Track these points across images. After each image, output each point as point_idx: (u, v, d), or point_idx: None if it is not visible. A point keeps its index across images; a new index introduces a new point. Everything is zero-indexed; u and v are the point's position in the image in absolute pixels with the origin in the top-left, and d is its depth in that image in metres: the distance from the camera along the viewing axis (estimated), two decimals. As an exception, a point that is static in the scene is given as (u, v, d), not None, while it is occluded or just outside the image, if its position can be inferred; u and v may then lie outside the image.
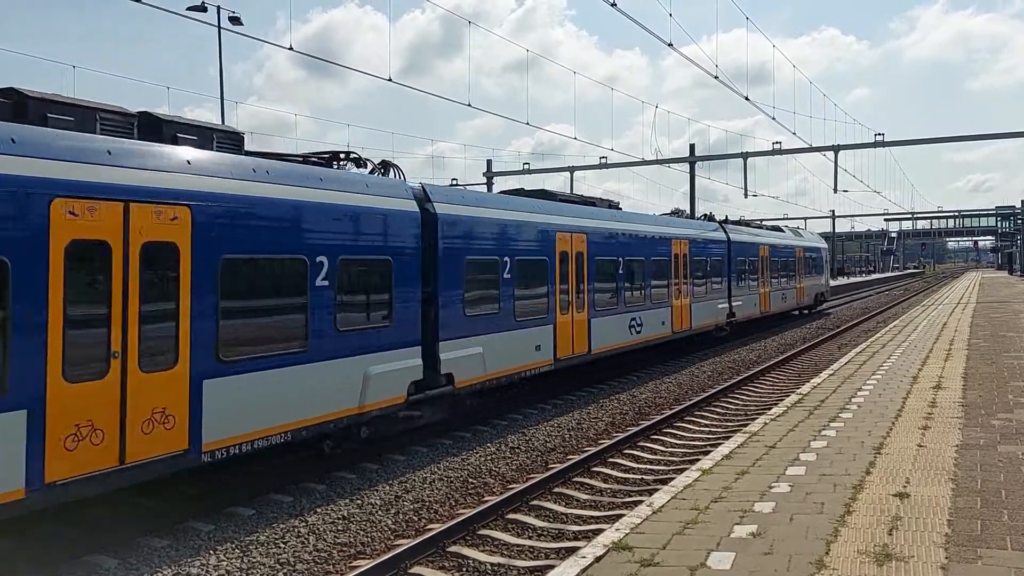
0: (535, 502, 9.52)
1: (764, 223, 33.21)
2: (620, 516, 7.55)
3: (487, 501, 9.39)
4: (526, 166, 46.16)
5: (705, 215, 27.52)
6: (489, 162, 48.69)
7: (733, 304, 25.19)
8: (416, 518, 9.07)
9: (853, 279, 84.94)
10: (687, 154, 44.48)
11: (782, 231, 34.22)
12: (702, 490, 7.65)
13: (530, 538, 8.51)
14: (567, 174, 45.74)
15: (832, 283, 68.85)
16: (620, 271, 17.73)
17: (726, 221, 28.03)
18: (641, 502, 7.71)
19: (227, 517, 8.89)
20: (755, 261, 27.71)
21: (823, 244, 40.63)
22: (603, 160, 43.88)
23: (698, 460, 9.53)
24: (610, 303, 17.29)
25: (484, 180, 46.28)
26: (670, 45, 22.34)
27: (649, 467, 11.34)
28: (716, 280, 23.89)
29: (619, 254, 17.74)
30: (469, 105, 24.19)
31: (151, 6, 14.71)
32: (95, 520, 8.38)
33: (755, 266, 27.70)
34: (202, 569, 7.46)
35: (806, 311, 36.77)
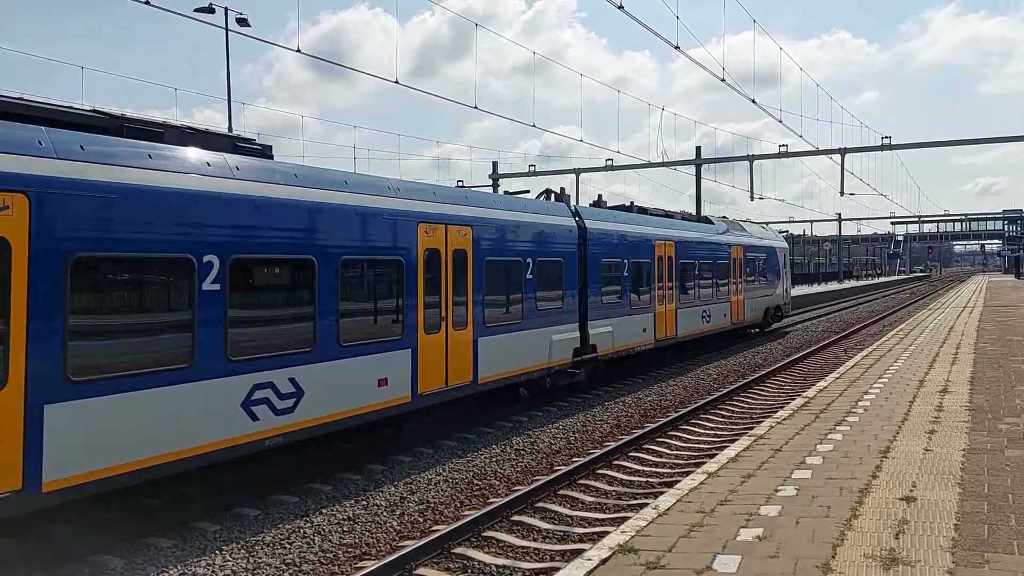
0: (540, 504, 9.52)
1: (681, 213, 23.97)
2: (625, 519, 7.55)
3: (492, 503, 9.40)
4: (532, 168, 46.19)
5: (547, 191, 17.68)
6: (495, 164, 48.73)
7: (592, 332, 16.38)
8: (421, 519, 9.07)
9: (861, 282, 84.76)
10: (694, 156, 44.47)
11: (710, 223, 24.98)
12: (708, 493, 7.64)
13: (535, 540, 8.50)
14: (573, 176, 45.75)
15: (838, 286, 68.95)
16: (230, 291, 8.62)
17: (598, 204, 19.63)
18: (646, 505, 7.70)
19: (233, 517, 8.91)
20: (645, 264, 18.99)
21: (779, 242, 31.42)
22: (609, 162, 43.89)
23: (704, 463, 9.51)
24: (177, 357, 8.16)
25: (490, 182, 46.31)
26: (677, 48, 22.31)
27: (654, 470, 11.32)
28: (550, 295, 14.97)
29: (255, 248, 9.01)
30: (476, 107, 24.17)
31: (158, 8, 14.74)
32: (100, 520, 8.41)
33: (647, 271, 19.09)
34: (208, 569, 7.48)
35: (753, 330, 28.56)
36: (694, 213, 32.12)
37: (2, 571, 7.25)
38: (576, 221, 16.36)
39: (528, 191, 20.31)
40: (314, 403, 9.65)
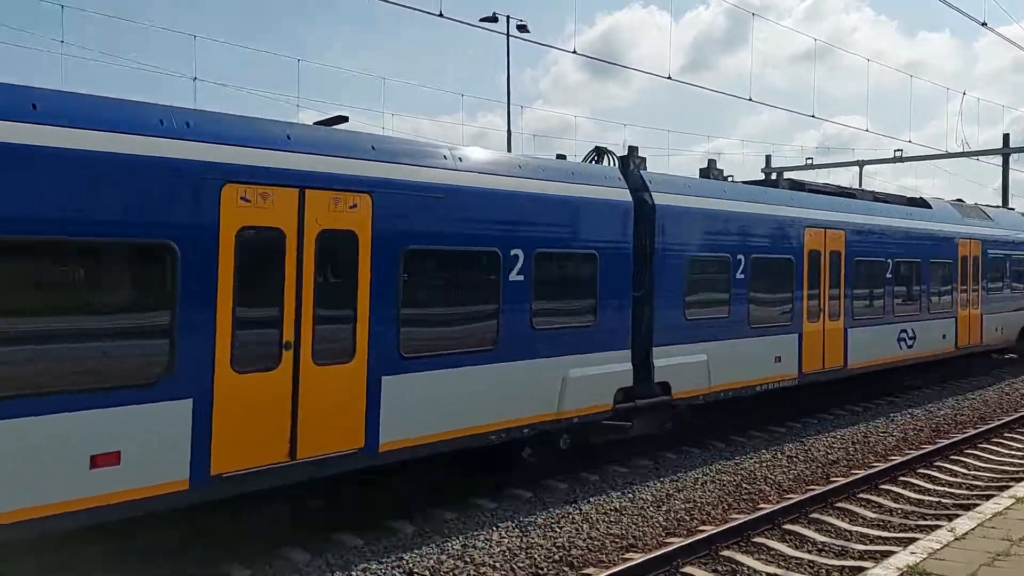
0: (815, 515, 9.06)
1: (872, 193, 17.62)
2: (914, 539, 7.00)
3: (762, 508, 9.12)
4: (809, 160, 43.79)
5: (598, 150, 12.07)
6: (768, 157, 46.79)
7: (661, 363, 11.02)
8: (687, 518, 9.02)
9: None
10: (1000, 145, 39.74)
11: (926, 206, 17.98)
12: (1016, 520, 6.86)
13: (809, 552, 8.11)
14: (856, 169, 42.76)
15: None
16: None
17: (707, 174, 13.54)
18: (939, 527, 7.08)
19: (508, 499, 9.44)
20: (781, 261, 13.16)
21: None
22: (898, 153, 40.45)
23: (1009, 487, 8.53)
24: None
25: (763, 176, 44.63)
26: (984, 24, 20.05)
27: (947, 490, 10.31)
28: (566, 307, 9.99)
29: None
30: (750, 99, 23.48)
31: (448, 18, 15.95)
32: (395, 489, 9.26)
33: (785, 272, 13.23)
34: (486, 543, 8.00)
35: (1007, 355, 21.15)
36: (1001, 206, 26.87)
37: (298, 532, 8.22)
38: (633, 195, 10.80)
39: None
40: None
